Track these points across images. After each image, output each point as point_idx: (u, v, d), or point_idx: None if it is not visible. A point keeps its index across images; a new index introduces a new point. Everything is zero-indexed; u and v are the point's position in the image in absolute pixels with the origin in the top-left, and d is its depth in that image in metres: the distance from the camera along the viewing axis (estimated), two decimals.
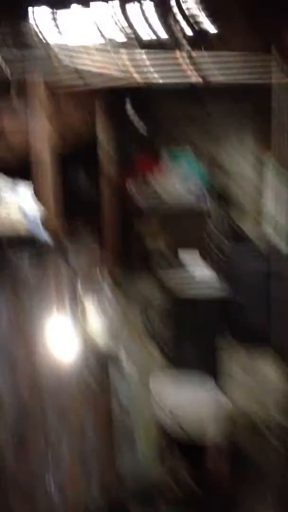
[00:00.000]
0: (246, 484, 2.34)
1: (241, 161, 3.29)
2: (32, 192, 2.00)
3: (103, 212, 3.64)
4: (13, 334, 1.64)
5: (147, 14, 2.25)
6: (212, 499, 2.32)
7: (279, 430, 2.47)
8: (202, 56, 2.33)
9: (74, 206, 2.53)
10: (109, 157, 3.21)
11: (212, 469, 2.37)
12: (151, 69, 2.36)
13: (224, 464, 2.38)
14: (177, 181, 3.29)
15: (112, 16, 2.27)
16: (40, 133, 2.43)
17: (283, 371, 2.55)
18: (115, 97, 3.10)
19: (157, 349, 3.19)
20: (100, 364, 1.97)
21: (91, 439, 1.91)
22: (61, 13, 2.28)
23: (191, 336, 2.73)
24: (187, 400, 2.48)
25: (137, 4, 2.25)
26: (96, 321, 1.90)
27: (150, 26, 2.28)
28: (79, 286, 1.86)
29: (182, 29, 2.28)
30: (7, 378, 1.61)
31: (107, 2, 2.25)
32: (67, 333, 1.83)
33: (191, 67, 2.34)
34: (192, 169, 3.29)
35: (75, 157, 2.87)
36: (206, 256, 3.02)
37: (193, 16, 2.26)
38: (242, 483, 2.35)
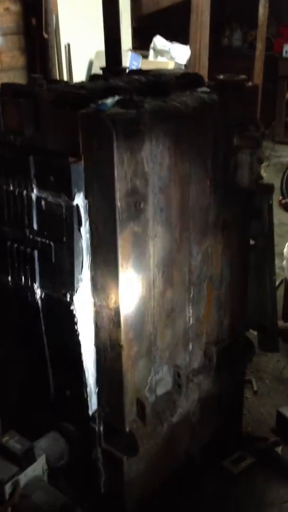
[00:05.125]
0: None
1: None
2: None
3: (253, 76, 3.80)
4: (170, 181, 1.74)
5: None
6: None
7: None
8: None
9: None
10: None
11: None
12: None
13: None
14: None
15: None
16: None
17: None
18: None
19: None
20: (243, 213, 2.10)
21: (228, 284, 2.13)
22: None
23: None
24: None
25: None
26: (245, 174, 1.98)
27: None
28: (234, 139, 1.92)
29: None
30: (162, 216, 1.75)
31: None
32: (217, 181, 1.92)
33: None
34: None
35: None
36: None
37: None
38: None
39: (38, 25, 3.82)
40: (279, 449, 2.42)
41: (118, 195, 1.60)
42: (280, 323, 3.20)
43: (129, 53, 4.50)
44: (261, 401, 2.74)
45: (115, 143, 1.55)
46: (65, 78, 4.20)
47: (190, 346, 2.02)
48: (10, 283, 1.85)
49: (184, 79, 1.99)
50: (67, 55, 4.18)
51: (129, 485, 1.90)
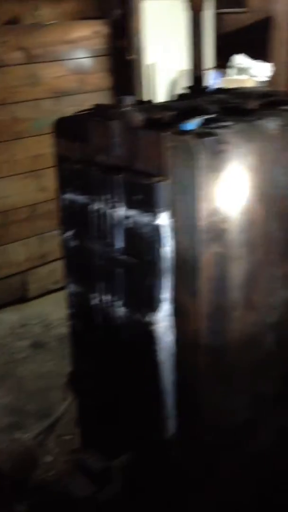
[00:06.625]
0: None
1: None
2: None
3: None
4: (254, 201, 1.70)
5: None
6: None
7: None
8: None
9: None
10: None
11: None
12: None
13: None
14: None
15: None
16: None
17: None
18: None
19: None
20: None
21: None
22: None
23: None
24: None
25: None
26: None
27: None
28: None
29: None
30: (245, 237, 1.71)
31: None
32: None
33: None
34: None
35: None
36: None
37: None
38: None
39: (125, 47, 3.91)
40: None
41: (201, 215, 1.59)
42: None
43: (211, 71, 4.50)
44: None
45: (199, 163, 1.55)
46: (148, 98, 4.26)
47: (270, 373, 1.96)
48: (95, 300, 1.88)
49: (267, 98, 1.96)
50: (151, 75, 4.25)
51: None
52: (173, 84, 4.52)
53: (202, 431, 1.76)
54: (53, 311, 3.67)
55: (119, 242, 1.76)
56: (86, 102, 3.64)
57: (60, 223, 1.97)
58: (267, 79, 5.10)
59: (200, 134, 1.59)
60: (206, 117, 1.69)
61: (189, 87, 2.21)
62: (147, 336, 1.71)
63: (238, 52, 5.07)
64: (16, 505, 2.05)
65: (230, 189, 1.64)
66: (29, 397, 2.87)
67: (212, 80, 4.47)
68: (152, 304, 1.69)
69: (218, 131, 1.62)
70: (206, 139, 1.57)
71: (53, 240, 3.89)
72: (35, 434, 2.46)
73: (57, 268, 3.84)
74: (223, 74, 4.73)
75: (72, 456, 2.30)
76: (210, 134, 1.60)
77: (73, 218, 1.90)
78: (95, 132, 1.77)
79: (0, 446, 2.26)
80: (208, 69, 4.52)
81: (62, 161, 1.92)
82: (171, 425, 1.77)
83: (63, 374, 2.79)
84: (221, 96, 2.07)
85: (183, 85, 2.35)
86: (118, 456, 1.83)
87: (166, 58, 4.33)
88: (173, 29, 4.08)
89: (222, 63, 4.99)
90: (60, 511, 1.83)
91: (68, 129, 1.89)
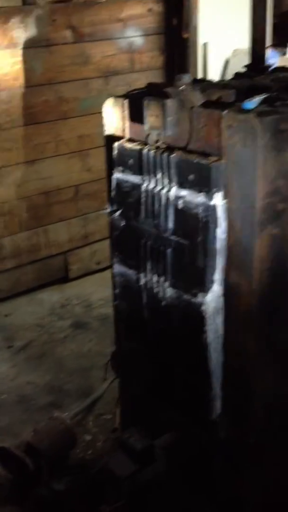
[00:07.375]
0: None
1: None
2: None
3: None
4: None
5: None
6: None
7: None
8: None
9: None
10: None
11: None
12: None
13: None
14: None
15: None
16: None
17: None
18: None
19: None
20: None
21: None
22: None
23: None
24: None
25: None
26: None
27: None
28: None
29: None
30: None
31: None
32: None
33: None
34: None
35: None
36: None
37: None
38: None
39: (179, 25, 3.83)
40: None
41: (259, 195, 1.54)
42: None
43: (268, 50, 4.39)
44: None
45: (260, 142, 1.49)
46: (202, 77, 4.18)
47: None
48: (142, 280, 1.85)
49: None
50: (204, 54, 4.17)
51: (251, 497, 1.83)
52: (226, 63, 4.43)
53: (249, 413, 1.72)
54: (94, 291, 3.68)
55: (170, 223, 1.73)
56: (137, 81, 3.64)
57: (108, 203, 1.95)
58: None
59: (261, 112, 1.54)
60: (266, 95, 1.63)
61: (248, 66, 2.14)
62: (196, 317, 1.68)
63: None
64: (54, 483, 2.05)
65: None
66: (69, 377, 2.87)
67: (269, 58, 4.36)
68: (203, 285, 1.66)
69: (280, 109, 1.56)
70: (268, 117, 1.51)
71: (96, 221, 3.89)
72: (74, 413, 2.46)
73: (99, 249, 3.88)
74: (280, 53, 4.61)
75: (112, 435, 2.31)
76: (271, 113, 1.54)
77: (122, 198, 1.87)
78: (149, 111, 1.73)
79: (38, 425, 2.25)
80: (266, 47, 4.42)
81: (112, 140, 1.89)
82: (217, 405, 1.74)
83: (103, 354, 2.81)
84: (281, 75, 2.00)
85: (236, 64, 2.29)
86: (160, 436, 1.81)
87: (219, 37, 4.24)
88: (230, 8, 3.99)
89: (279, 42, 4.85)
90: (100, 490, 1.83)
91: (120, 108, 1.86)
